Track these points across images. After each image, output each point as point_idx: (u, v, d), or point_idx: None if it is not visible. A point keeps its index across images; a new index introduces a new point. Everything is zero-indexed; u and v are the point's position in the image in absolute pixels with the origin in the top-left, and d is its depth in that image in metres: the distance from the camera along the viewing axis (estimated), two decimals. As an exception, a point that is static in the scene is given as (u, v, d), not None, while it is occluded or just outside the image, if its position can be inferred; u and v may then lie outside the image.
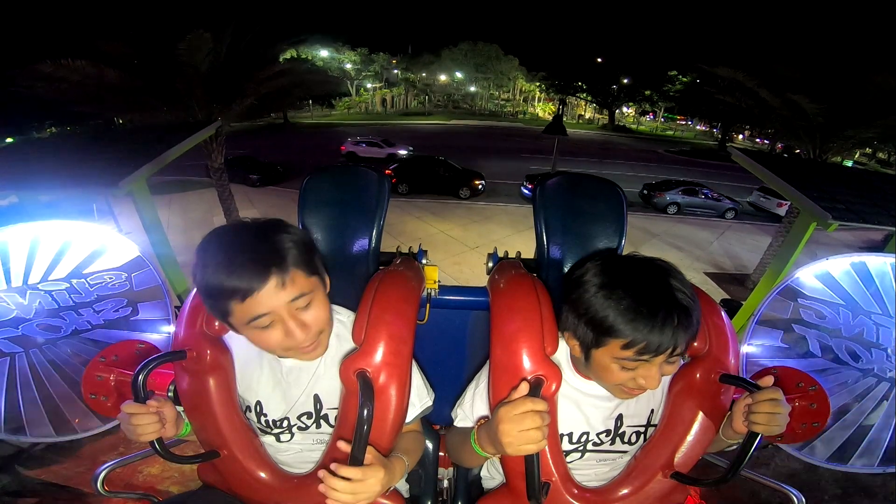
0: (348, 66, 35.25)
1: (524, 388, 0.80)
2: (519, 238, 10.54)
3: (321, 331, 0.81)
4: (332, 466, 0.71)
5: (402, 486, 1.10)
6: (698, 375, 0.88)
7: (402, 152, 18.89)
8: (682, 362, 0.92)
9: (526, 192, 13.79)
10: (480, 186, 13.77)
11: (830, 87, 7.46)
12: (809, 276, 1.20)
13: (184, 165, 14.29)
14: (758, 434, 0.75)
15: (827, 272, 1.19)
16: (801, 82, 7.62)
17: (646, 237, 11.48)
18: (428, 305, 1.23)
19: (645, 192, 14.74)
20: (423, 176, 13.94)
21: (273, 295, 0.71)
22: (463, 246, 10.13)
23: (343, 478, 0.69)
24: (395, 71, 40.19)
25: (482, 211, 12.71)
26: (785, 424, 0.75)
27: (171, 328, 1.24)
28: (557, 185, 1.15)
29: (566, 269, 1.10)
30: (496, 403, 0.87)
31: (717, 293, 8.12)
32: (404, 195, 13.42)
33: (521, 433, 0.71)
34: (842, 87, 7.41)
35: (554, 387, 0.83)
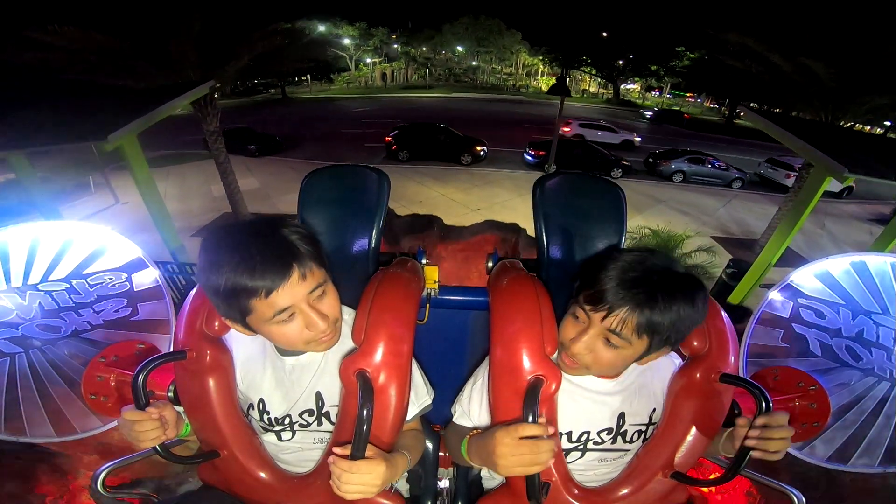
0: (347, 40, 34.75)
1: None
2: (521, 201, 10.53)
3: (337, 319, 0.82)
4: (331, 459, 0.73)
5: (403, 486, 1.10)
6: (698, 375, 0.88)
7: (638, 139, 17.63)
8: (678, 363, 0.93)
9: (529, 158, 13.78)
10: (482, 152, 13.73)
11: (843, 51, 7.35)
12: (809, 275, 1.20)
13: (181, 141, 14.67)
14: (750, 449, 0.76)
15: (827, 272, 1.19)
16: (812, 46, 7.50)
17: (652, 202, 11.45)
18: (428, 305, 1.23)
19: (650, 160, 14.73)
20: (423, 143, 13.83)
21: (295, 288, 0.72)
22: (465, 208, 10.17)
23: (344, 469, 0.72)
24: (395, 46, 39.63)
25: (485, 176, 12.71)
26: (784, 450, 0.75)
27: (171, 328, 1.24)
28: (557, 185, 1.15)
29: (566, 269, 1.10)
30: (496, 403, 0.87)
31: (724, 256, 8.09)
32: (405, 162, 13.41)
33: (516, 458, 0.72)
34: (855, 51, 7.31)
35: (554, 387, 0.83)
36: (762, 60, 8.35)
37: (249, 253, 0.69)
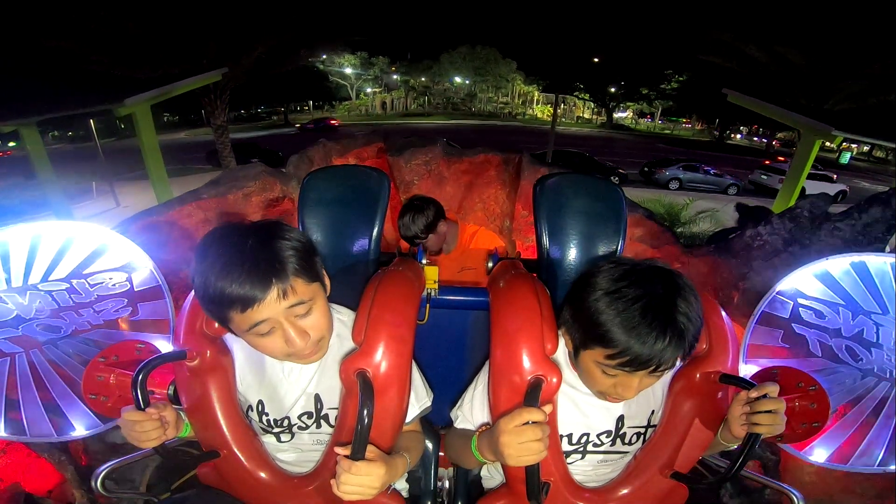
0: (348, 70, 35.58)
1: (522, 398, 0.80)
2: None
3: (321, 337, 0.81)
4: (338, 459, 0.74)
5: (402, 486, 1.10)
6: (698, 376, 0.88)
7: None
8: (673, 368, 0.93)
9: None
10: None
11: (814, 38, 7.63)
12: (809, 275, 1.20)
13: (185, 158, 14.98)
14: (759, 435, 0.75)
15: (826, 272, 1.19)
16: (785, 35, 7.83)
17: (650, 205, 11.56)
18: (428, 305, 1.23)
19: (646, 168, 15.07)
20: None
21: (273, 304, 0.71)
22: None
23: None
24: (395, 77, 40.47)
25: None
26: (784, 423, 0.76)
27: (171, 328, 1.24)
28: (557, 185, 1.15)
29: (566, 269, 1.10)
30: (496, 403, 0.87)
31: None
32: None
33: (522, 445, 0.72)
34: (825, 37, 7.59)
35: (554, 386, 0.83)
36: (740, 55, 8.68)
37: (232, 263, 0.69)
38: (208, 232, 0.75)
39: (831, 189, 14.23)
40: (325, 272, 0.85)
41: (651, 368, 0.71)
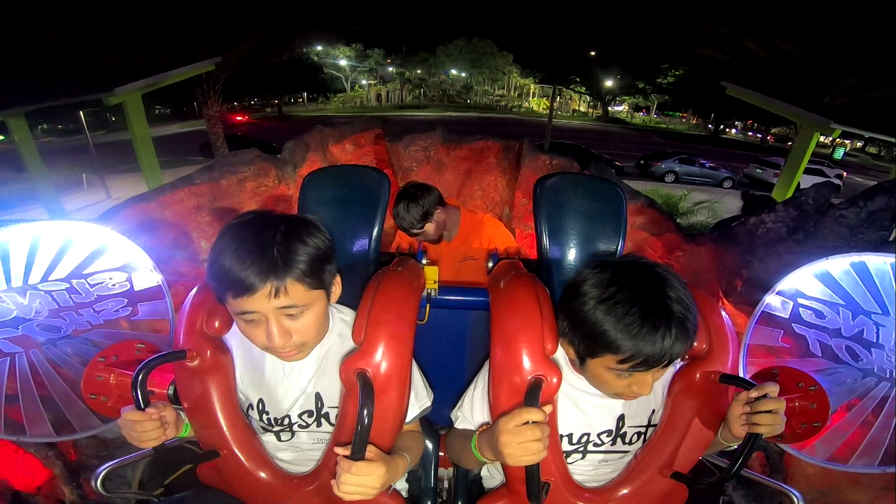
0: (343, 62, 35.48)
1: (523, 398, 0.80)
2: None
3: (305, 342, 0.81)
4: (338, 459, 0.74)
5: (402, 486, 1.10)
6: (698, 376, 0.88)
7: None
8: (678, 364, 0.93)
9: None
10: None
11: (812, 32, 7.71)
12: (809, 275, 1.20)
13: (177, 149, 15.02)
14: (759, 435, 0.75)
15: (826, 272, 1.19)
16: (783, 29, 7.91)
17: (646, 197, 11.81)
18: (428, 305, 1.23)
19: (641, 161, 15.28)
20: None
21: (262, 300, 0.71)
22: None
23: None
24: (391, 69, 40.39)
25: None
26: (784, 423, 0.76)
27: (171, 328, 1.24)
28: (557, 185, 1.15)
29: (566, 269, 1.10)
30: (496, 403, 0.87)
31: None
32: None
33: (521, 445, 0.72)
34: (823, 31, 7.67)
35: (554, 385, 0.83)
36: (739, 49, 8.73)
37: (244, 248, 0.70)
38: (243, 213, 0.76)
39: (826, 184, 14.46)
40: (337, 279, 0.85)
41: (664, 363, 0.72)
